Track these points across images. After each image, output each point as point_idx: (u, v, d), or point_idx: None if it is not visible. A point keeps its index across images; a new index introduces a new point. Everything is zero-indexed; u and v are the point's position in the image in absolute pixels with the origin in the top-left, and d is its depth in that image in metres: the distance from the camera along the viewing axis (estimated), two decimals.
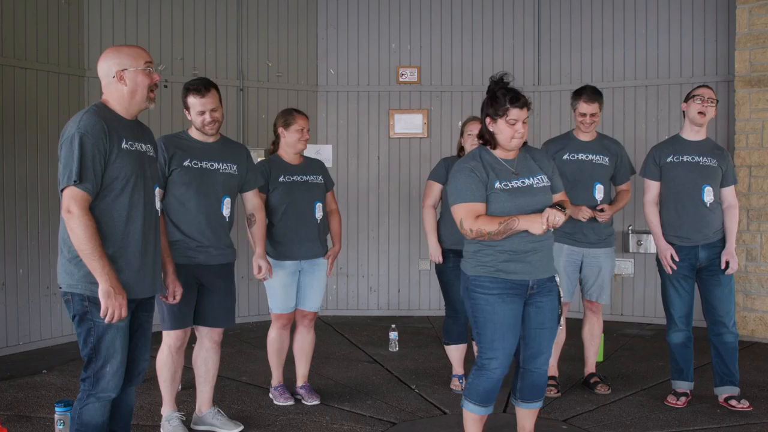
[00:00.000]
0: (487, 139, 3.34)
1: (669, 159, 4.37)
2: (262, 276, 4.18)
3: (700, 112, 4.30)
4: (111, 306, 2.82)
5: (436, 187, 4.70)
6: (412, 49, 7.40)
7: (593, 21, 7.19)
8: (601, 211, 4.52)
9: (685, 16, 6.86)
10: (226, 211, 3.90)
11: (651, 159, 4.46)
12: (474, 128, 4.64)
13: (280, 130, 4.46)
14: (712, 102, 4.30)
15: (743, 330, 6.17)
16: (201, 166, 3.81)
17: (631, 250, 6.87)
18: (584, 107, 4.57)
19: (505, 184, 3.23)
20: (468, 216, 3.20)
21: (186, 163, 3.77)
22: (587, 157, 4.59)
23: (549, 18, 7.35)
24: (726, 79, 6.61)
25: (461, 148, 4.72)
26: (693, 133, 4.39)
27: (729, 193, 4.39)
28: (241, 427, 4.03)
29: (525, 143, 3.40)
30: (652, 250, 6.74)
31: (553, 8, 7.33)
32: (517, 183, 3.26)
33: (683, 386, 4.46)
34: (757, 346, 6.05)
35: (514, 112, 3.22)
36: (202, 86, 3.81)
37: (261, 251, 4.14)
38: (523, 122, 3.25)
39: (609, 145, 4.71)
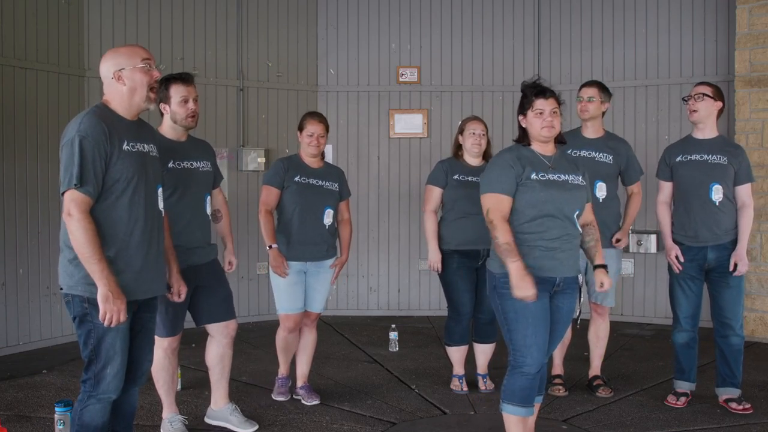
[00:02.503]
0: (521, 136, 3.45)
1: (678, 159, 4.36)
2: (232, 270, 4.18)
3: (691, 111, 4.32)
4: (109, 310, 2.81)
5: (436, 192, 4.69)
6: (412, 49, 7.40)
7: (593, 21, 7.19)
8: (618, 240, 4.57)
9: (685, 16, 6.86)
10: (208, 209, 3.91)
11: (662, 160, 4.47)
12: (476, 127, 4.65)
13: (298, 133, 4.47)
14: (699, 97, 4.27)
15: (743, 330, 6.16)
16: (183, 166, 3.78)
17: (631, 250, 6.86)
18: (581, 91, 4.63)
19: (541, 176, 3.30)
20: (495, 208, 3.29)
21: (170, 165, 3.71)
22: (590, 154, 4.56)
23: (549, 18, 7.34)
24: (726, 79, 6.61)
25: (459, 147, 4.71)
26: (699, 132, 4.38)
27: (742, 191, 4.29)
28: (256, 427, 4.03)
29: (560, 142, 3.47)
30: (653, 250, 6.75)
31: (553, 8, 7.33)
32: (553, 176, 3.32)
33: (684, 386, 4.46)
34: (757, 346, 6.05)
35: (540, 102, 3.33)
36: (186, 75, 3.82)
37: (232, 247, 4.16)
38: (553, 112, 3.33)
39: (615, 145, 4.67)
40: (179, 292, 3.44)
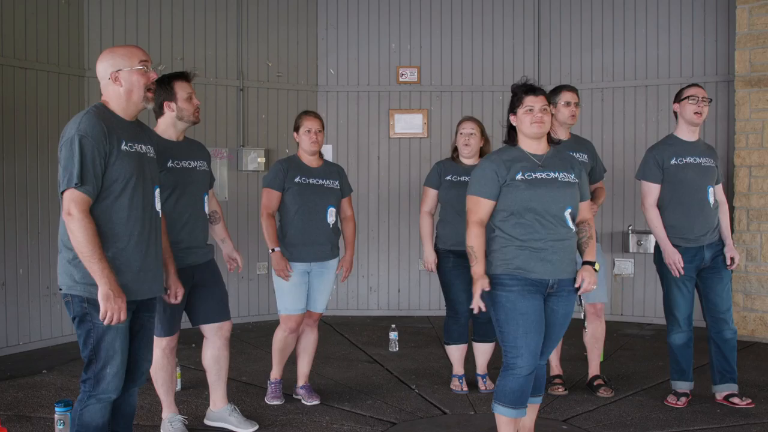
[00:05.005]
0: (512, 136, 3.46)
1: (673, 161, 4.34)
2: (237, 268, 4.16)
3: (696, 113, 4.31)
4: (110, 309, 2.81)
5: (431, 193, 4.70)
6: (412, 49, 7.40)
7: (593, 21, 7.19)
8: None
9: (685, 16, 6.87)
10: (207, 209, 3.90)
11: (652, 161, 4.40)
12: (465, 126, 4.66)
13: (294, 134, 4.47)
14: (706, 101, 4.31)
15: (743, 330, 6.17)
16: (182, 165, 3.77)
17: (631, 250, 6.87)
18: (568, 95, 4.56)
19: (528, 175, 3.31)
20: (472, 210, 3.36)
21: (169, 164, 3.70)
22: (570, 154, 4.56)
23: (549, 18, 7.35)
24: (726, 79, 6.61)
25: (456, 149, 4.73)
26: (689, 134, 4.39)
27: (720, 190, 4.43)
28: (256, 427, 4.03)
29: (554, 141, 3.50)
30: (652, 250, 6.72)
31: (553, 8, 7.33)
32: (541, 174, 3.33)
33: (684, 386, 4.46)
34: (757, 346, 6.05)
35: (529, 99, 3.36)
36: (186, 72, 3.83)
37: (232, 244, 4.14)
38: (543, 109, 3.35)
39: (585, 143, 4.73)
40: (176, 293, 3.44)
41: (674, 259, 4.30)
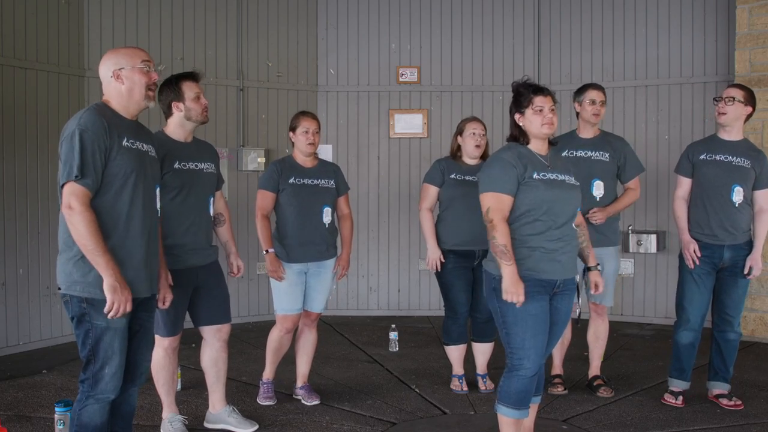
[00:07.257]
0: (516, 135, 3.42)
1: (702, 157, 4.36)
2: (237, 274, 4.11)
3: (719, 113, 4.32)
4: (117, 300, 2.80)
5: (432, 190, 4.68)
6: (412, 49, 7.40)
7: (593, 21, 7.19)
8: (593, 212, 4.46)
9: (685, 16, 6.87)
10: (211, 211, 3.90)
11: (685, 156, 4.46)
12: (477, 127, 4.64)
13: (290, 134, 4.46)
14: (730, 100, 4.27)
15: (743, 330, 6.13)
16: (189, 167, 3.76)
17: (631, 250, 6.87)
18: (593, 94, 4.58)
19: (543, 175, 3.29)
20: (496, 207, 3.23)
21: (176, 165, 3.70)
22: (585, 154, 4.57)
23: (549, 18, 7.34)
24: (726, 79, 6.61)
25: (458, 148, 4.70)
26: (725, 133, 4.38)
27: (761, 196, 4.33)
28: (256, 426, 4.03)
29: (553, 142, 3.48)
30: (653, 250, 6.75)
31: (553, 8, 7.33)
32: (552, 175, 3.32)
33: (681, 385, 4.46)
34: (757, 346, 6.05)
35: (539, 99, 3.34)
36: (194, 72, 3.83)
37: (236, 250, 4.10)
38: (551, 110, 3.34)
39: (612, 142, 4.68)
40: (164, 298, 3.43)
41: (688, 247, 4.31)
